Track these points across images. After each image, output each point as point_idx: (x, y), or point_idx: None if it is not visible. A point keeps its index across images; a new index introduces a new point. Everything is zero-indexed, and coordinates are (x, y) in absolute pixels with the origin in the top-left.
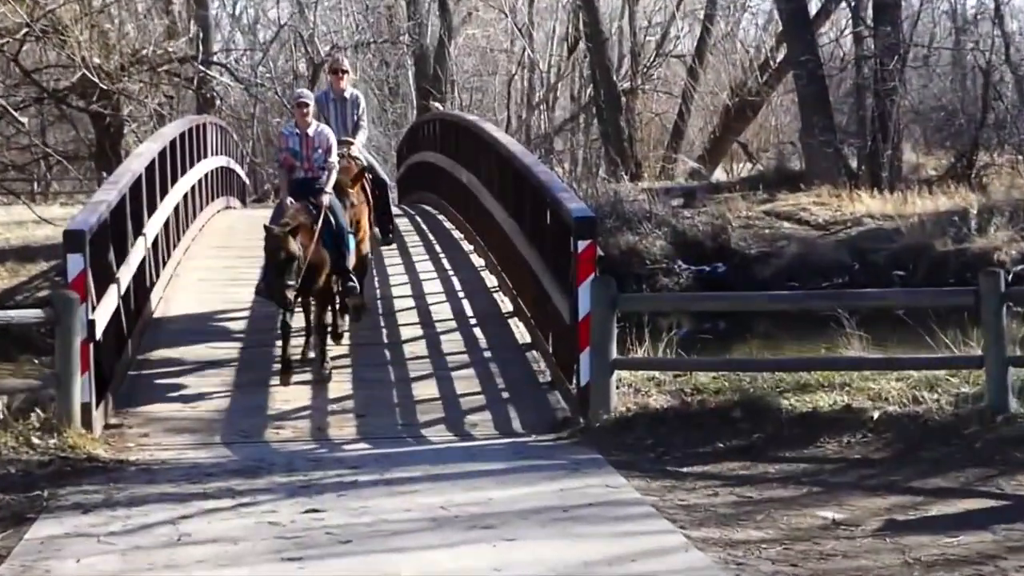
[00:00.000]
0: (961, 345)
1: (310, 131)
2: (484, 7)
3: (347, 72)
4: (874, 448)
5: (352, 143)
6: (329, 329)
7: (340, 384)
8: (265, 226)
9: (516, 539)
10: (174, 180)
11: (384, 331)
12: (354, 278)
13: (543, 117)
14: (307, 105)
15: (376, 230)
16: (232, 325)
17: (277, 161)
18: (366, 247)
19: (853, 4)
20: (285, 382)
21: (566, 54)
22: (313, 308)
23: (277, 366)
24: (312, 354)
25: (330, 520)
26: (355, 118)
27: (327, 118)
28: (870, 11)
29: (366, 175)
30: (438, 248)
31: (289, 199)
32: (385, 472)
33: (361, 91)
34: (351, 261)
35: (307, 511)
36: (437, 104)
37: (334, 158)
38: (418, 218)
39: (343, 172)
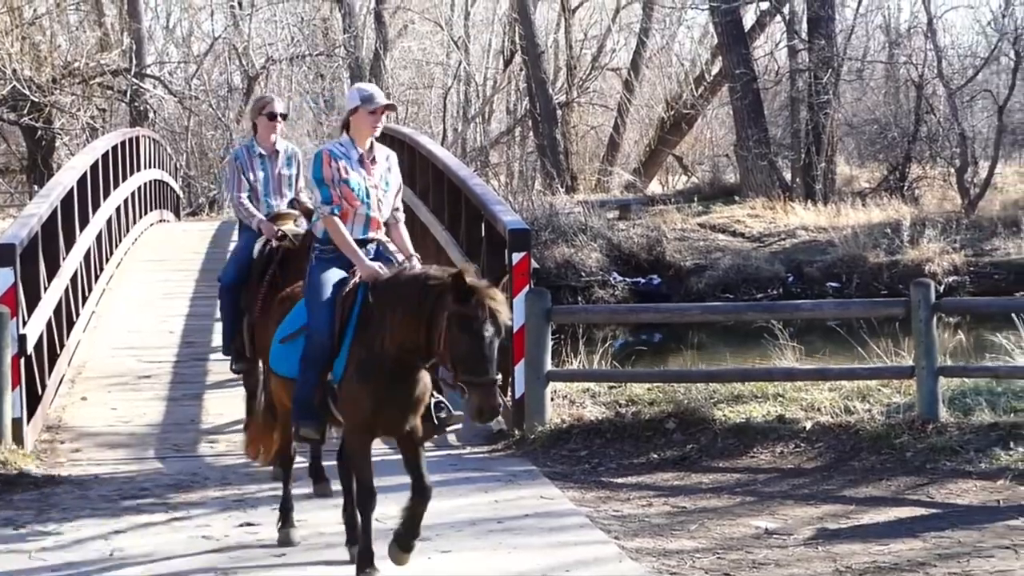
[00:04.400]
0: (892, 355)
1: (377, 153)
2: (420, 20)
3: (285, 117)
4: (806, 458)
5: (296, 215)
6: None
7: None
8: (440, 276)
9: (451, 551)
10: (107, 193)
11: None
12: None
13: (479, 130)
14: (391, 109)
15: None
16: (165, 339)
17: (323, 200)
18: None
19: (788, 18)
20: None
21: (502, 67)
22: (404, 454)
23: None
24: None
25: (264, 534)
26: (292, 180)
27: (250, 181)
28: (804, 25)
29: None
30: None
31: (372, 263)
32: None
33: (295, 106)
34: None
35: (241, 525)
36: None
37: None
38: None
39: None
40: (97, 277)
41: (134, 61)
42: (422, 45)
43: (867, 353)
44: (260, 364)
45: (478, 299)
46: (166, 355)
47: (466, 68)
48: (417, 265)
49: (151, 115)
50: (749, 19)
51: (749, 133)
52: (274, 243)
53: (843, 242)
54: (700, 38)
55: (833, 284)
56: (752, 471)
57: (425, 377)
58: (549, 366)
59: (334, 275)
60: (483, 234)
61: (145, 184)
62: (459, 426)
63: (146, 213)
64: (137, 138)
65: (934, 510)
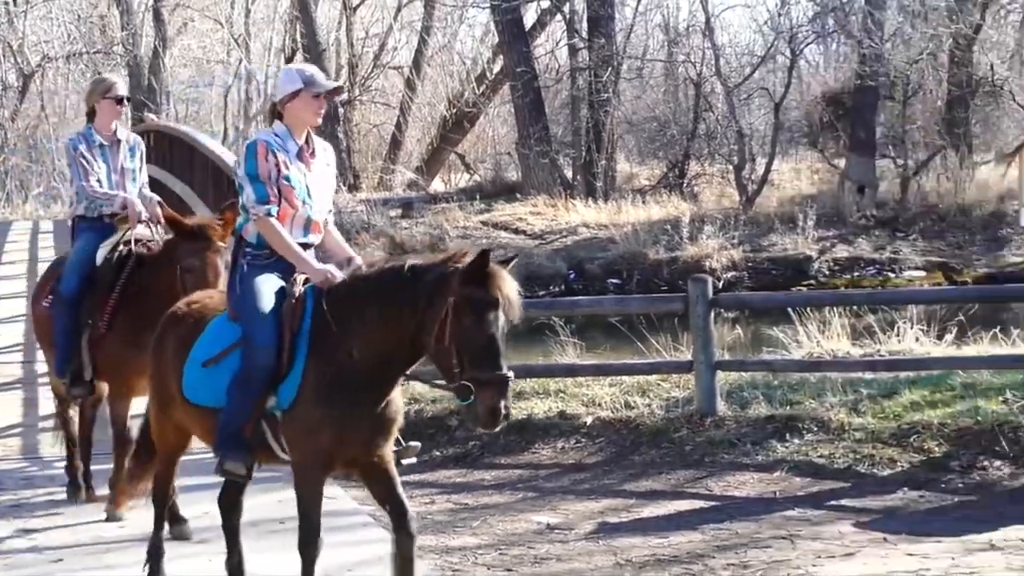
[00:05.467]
0: (672, 351)
1: (316, 145)
2: (200, 18)
3: (130, 100)
4: (587, 453)
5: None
6: None
7: (51, 401)
8: (418, 265)
9: None
10: None
11: None
12: None
13: (260, 128)
14: (339, 92)
15: None
16: None
17: (259, 200)
18: None
19: (568, 16)
20: None
21: (283, 65)
22: (375, 485)
23: None
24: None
25: (41, 540)
26: (136, 174)
27: (89, 175)
28: (585, 24)
29: None
30: None
31: (323, 266)
32: (99, 489)
33: (72, 104)
34: None
35: (17, 531)
36: (152, 116)
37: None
38: None
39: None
40: None
41: None
42: (202, 43)
43: (647, 348)
44: (106, 386)
45: (496, 282)
46: None
47: (247, 66)
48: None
49: None
50: (530, 18)
51: (531, 131)
52: (124, 248)
53: (624, 239)
54: (482, 36)
55: (614, 280)
56: (534, 467)
57: (398, 397)
58: None
59: (273, 283)
60: None
61: None
62: (413, 460)
63: None
64: None
65: (712, 502)
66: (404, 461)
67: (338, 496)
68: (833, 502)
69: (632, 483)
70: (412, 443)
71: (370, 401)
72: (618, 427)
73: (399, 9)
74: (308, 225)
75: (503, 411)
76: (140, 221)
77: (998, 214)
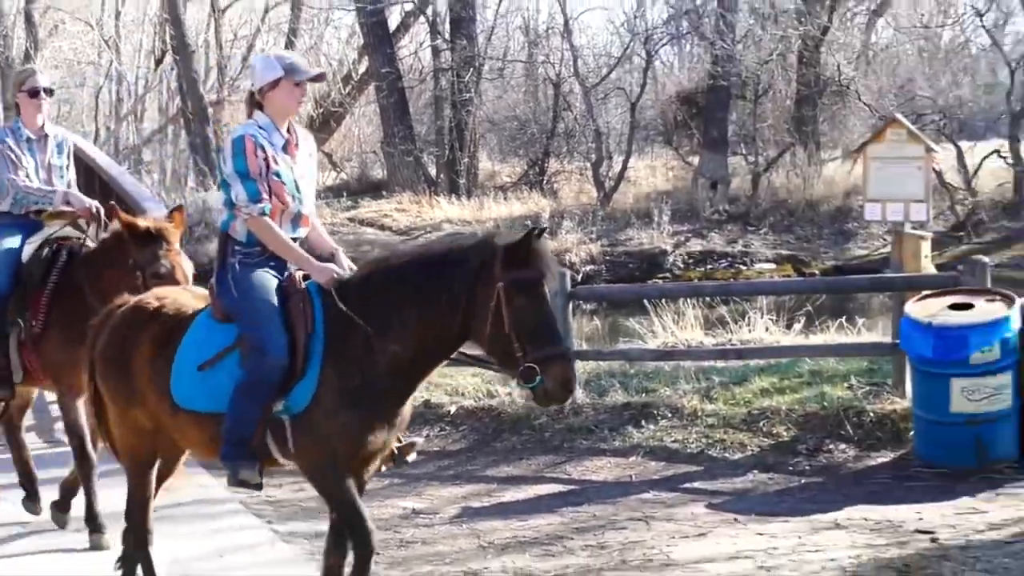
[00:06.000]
0: None
1: (299, 136)
2: (71, 20)
3: (51, 93)
4: (452, 440)
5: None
6: None
7: None
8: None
9: None
10: None
11: None
12: None
13: (131, 128)
14: (322, 79)
15: None
16: None
17: (251, 198)
18: None
19: (431, 19)
20: None
21: (153, 66)
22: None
23: None
24: None
25: None
26: (64, 171)
27: (18, 169)
28: (447, 25)
29: None
30: None
31: (325, 264)
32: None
33: None
34: None
35: None
36: None
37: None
38: None
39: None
40: None
41: None
42: (73, 45)
43: None
44: (32, 392)
45: (539, 258)
46: None
47: (117, 67)
48: (344, 260)
49: None
50: (395, 20)
51: (395, 130)
52: (54, 245)
53: None
54: (347, 38)
55: None
56: None
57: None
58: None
59: (271, 281)
60: None
61: None
62: (414, 455)
63: None
64: None
65: (571, 487)
66: (409, 458)
67: (209, 485)
68: (686, 485)
69: (494, 469)
70: (414, 438)
71: (394, 400)
72: (481, 415)
73: (266, 11)
74: (297, 220)
75: (574, 380)
76: (93, 214)
77: (844, 209)
